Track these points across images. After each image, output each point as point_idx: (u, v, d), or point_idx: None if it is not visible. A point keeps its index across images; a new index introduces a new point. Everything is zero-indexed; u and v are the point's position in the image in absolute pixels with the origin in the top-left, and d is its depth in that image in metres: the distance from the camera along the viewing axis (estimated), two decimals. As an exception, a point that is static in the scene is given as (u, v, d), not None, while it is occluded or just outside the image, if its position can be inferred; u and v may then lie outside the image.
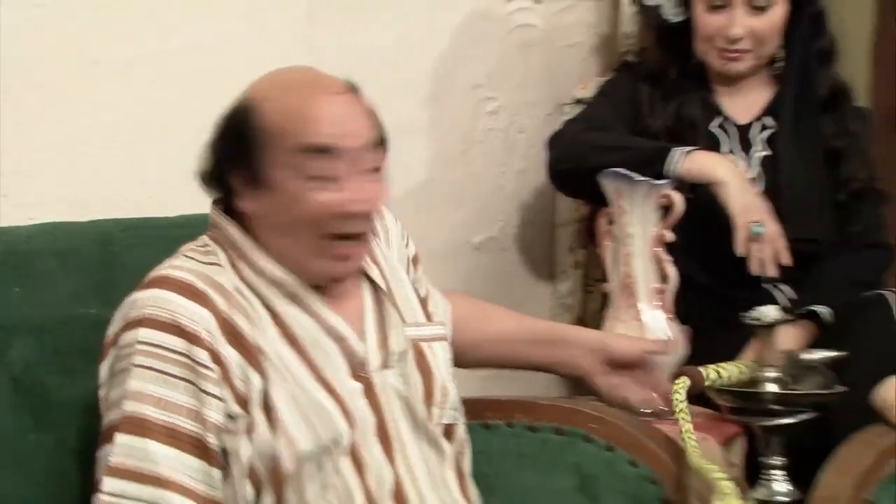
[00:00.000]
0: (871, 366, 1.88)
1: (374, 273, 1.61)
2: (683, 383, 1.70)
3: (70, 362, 1.59)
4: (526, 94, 2.44)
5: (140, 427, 1.43)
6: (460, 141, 2.33)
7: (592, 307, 2.41)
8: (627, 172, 1.97)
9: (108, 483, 1.44)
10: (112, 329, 1.51)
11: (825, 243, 2.15)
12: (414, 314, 1.64)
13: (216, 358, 1.46)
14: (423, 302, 1.68)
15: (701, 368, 1.76)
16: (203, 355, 1.45)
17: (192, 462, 1.45)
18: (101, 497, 1.43)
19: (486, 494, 1.69)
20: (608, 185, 2.00)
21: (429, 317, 1.67)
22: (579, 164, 2.07)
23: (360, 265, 1.58)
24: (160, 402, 1.44)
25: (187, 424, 1.44)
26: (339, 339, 1.50)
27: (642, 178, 1.96)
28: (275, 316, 1.52)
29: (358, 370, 1.53)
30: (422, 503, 1.54)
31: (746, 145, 2.20)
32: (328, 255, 1.50)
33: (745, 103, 2.24)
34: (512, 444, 1.76)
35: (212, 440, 1.44)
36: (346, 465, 1.51)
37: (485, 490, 1.69)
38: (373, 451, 1.51)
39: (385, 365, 1.56)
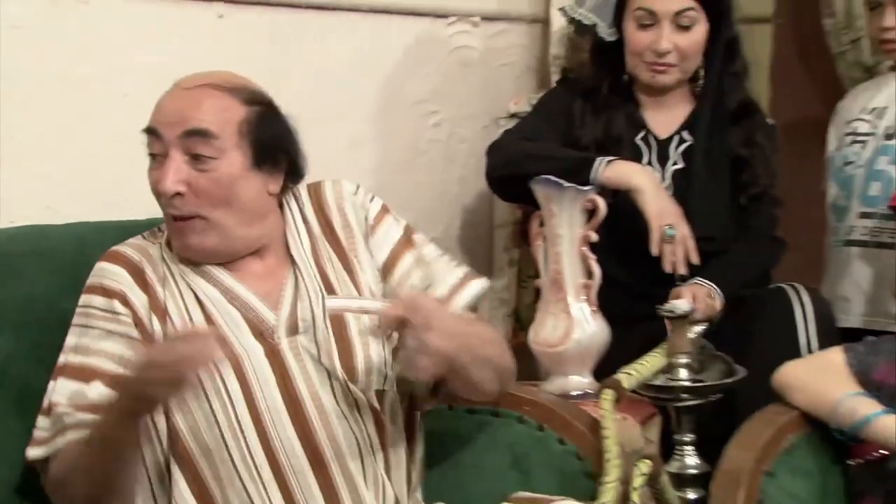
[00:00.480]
0: (772, 353, 1.91)
1: (296, 251, 1.61)
2: (610, 396, 1.71)
3: (47, 354, 1.57)
4: (465, 108, 2.44)
5: (60, 371, 1.52)
6: (407, 151, 2.34)
7: (526, 301, 2.43)
8: (556, 179, 1.98)
9: (39, 420, 1.52)
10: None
11: (726, 241, 2.18)
12: (348, 288, 1.62)
13: (126, 302, 1.54)
14: (386, 267, 1.66)
15: (620, 374, 1.77)
16: (118, 305, 1.54)
17: (101, 389, 1.49)
18: (35, 432, 1.52)
19: (427, 473, 1.70)
20: (539, 190, 2.01)
21: (385, 278, 1.65)
22: (514, 171, 2.08)
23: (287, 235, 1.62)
24: (77, 349, 1.53)
25: (103, 364, 1.51)
26: (246, 308, 1.53)
27: (569, 185, 1.96)
28: (189, 286, 1.57)
29: (267, 336, 1.54)
30: (334, 458, 1.53)
31: (664, 158, 2.22)
32: (174, 230, 1.55)
33: (666, 119, 2.25)
34: (451, 426, 1.76)
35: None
36: (243, 411, 1.52)
37: (426, 469, 1.70)
38: (277, 406, 1.52)
39: (293, 332, 1.56)
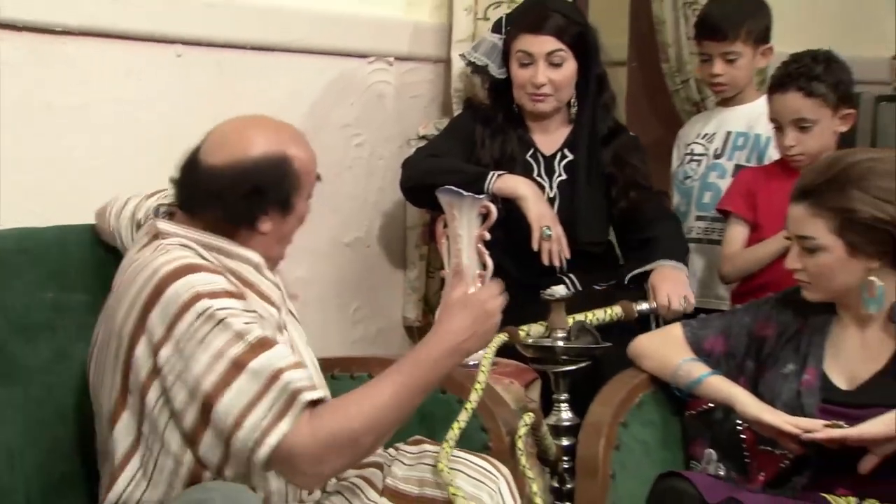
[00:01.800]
0: (629, 328, 1.98)
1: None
2: (500, 338, 1.75)
3: (33, 335, 1.57)
4: (383, 131, 2.43)
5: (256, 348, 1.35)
6: (335, 166, 2.32)
7: (433, 289, 2.45)
8: (457, 189, 1.97)
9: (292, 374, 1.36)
10: (166, 316, 1.37)
11: (603, 243, 2.23)
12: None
13: (240, 295, 1.42)
14: None
15: (517, 328, 1.84)
16: (239, 303, 1.40)
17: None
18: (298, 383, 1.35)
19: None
20: (443, 198, 1.96)
21: None
22: (423, 182, 2.09)
23: None
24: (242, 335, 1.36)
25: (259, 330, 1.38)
26: (278, 287, 1.53)
27: (467, 194, 1.93)
28: (242, 279, 1.48)
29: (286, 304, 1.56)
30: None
31: (550, 172, 2.23)
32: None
33: (550, 139, 2.25)
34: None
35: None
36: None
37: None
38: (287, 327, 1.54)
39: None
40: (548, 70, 2.15)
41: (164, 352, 1.36)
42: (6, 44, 1.75)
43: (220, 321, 1.35)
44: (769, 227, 2.09)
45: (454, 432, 1.57)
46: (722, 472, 1.71)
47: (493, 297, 1.50)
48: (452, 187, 2.03)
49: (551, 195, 2.19)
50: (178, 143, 1.78)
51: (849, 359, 1.64)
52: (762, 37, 2.38)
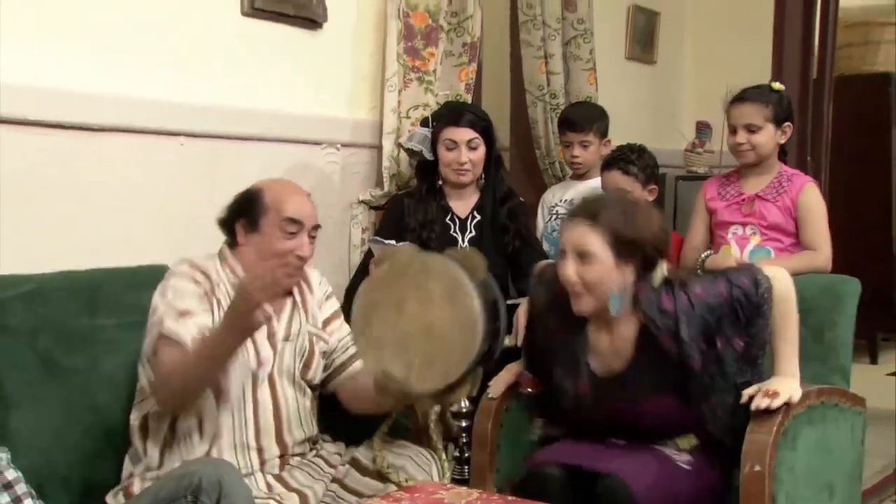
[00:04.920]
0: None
1: (296, 293, 1.68)
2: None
3: (72, 347, 1.63)
4: (332, 197, 2.40)
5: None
6: None
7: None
8: (380, 239, 2.10)
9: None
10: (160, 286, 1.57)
11: (503, 276, 2.20)
12: (315, 320, 1.69)
13: (207, 278, 1.56)
14: (325, 322, 1.71)
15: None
16: (199, 275, 1.56)
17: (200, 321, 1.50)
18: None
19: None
20: (372, 246, 2.11)
21: (324, 327, 1.71)
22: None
23: (291, 287, 1.65)
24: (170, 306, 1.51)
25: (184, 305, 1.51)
26: (266, 318, 1.48)
27: (388, 242, 2.05)
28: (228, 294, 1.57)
29: (271, 337, 1.60)
30: (287, 418, 1.59)
31: (464, 229, 2.26)
32: (283, 274, 1.51)
33: (463, 205, 2.27)
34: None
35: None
36: (248, 383, 1.55)
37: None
38: (263, 383, 1.57)
39: (287, 338, 1.63)
40: (468, 152, 2.21)
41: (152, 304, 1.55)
42: (50, 138, 1.79)
43: (171, 287, 1.53)
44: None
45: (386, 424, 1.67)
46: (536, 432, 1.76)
47: (252, 279, 1.38)
48: (377, 238, 2.12)
49: (464, 247, 2.22)
50: (179, 212, 1.87)
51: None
52: (604, 132, 2.58)
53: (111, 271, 1.77)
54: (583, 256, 1.56)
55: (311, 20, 2.28)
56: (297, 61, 2.29)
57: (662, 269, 1.59)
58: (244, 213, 1.62)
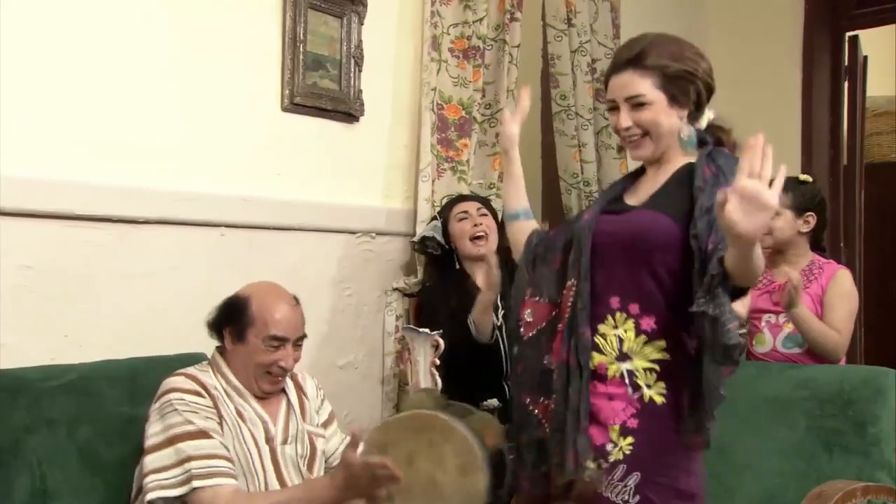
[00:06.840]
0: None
1: (291, 395, 1.72)
2: None
3: (113, 437, 1.65)
4: (367, 285, 2.42)
5: (175, 440, 1.50)
6: (331, 311, 2.34)
7: (403, 399, 2.30)
8: (414, 327, 2.04)
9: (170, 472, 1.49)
10: (154, 403, 1.57)
11: None
12: (314, 421, 1.74)
13: (207, 394, 1.56)
14: (324, 424, 1.77)
15: None
16: (203, 397, 1.56)
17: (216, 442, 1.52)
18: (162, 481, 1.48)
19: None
20: (406, 334, 2.03)
21: (323, 427, 1.75)
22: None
23: (283, 388, 1.69)
24: (188, 423, 1.51)
25: (204, 423, 1.52)
26: (263, 421, 1.56)
27: (423, 331, 1.97)
28: (234, 404, 1.62)
29: (270, 441, 1.62)
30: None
31: (496, 309, 2.21)
32: (267, 381, 1.64)
33: (482, 275, 2.22)
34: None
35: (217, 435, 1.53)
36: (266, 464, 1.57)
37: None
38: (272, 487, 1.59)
39: (285, 441, 1.65)
40: (479, 217, 2.30)
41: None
42: (102, 231, 1.85)
43: (175, 409, 1.51)
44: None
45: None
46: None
47: (372, 480, 1.42)
48: (411, 326, 2.11)
49: (498, 324, 2.21)
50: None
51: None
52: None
53: (150, 360, 1.78)
54: (635, 103, 1.51)
55: (349, 114, 2.34)
56: (334, 153, 2.34)
57: (709, 113, 1.55)
58: (231, 321, 1.64)
